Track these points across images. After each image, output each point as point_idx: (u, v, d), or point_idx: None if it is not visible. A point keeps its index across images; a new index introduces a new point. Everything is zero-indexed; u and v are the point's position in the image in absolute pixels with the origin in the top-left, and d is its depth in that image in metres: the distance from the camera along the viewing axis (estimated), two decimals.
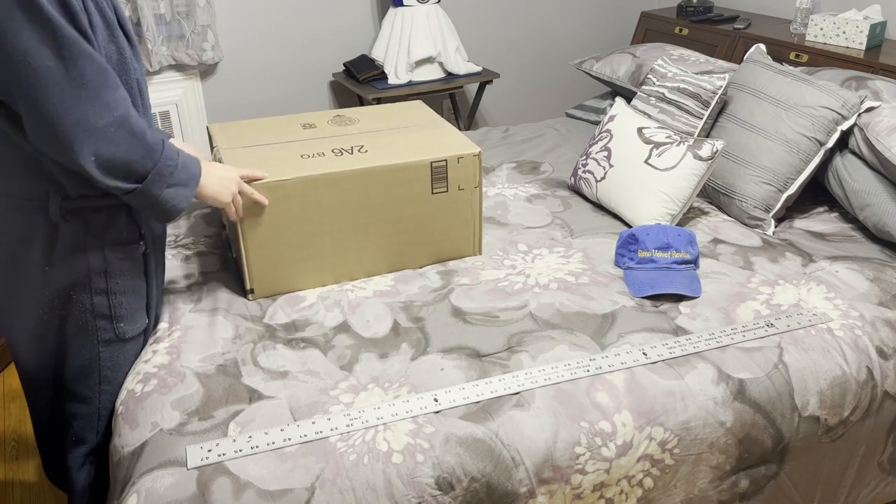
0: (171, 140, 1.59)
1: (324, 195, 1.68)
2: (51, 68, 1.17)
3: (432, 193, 1.79)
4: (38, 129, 1.21)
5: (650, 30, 3.51)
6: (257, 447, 1.31)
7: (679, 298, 1.74)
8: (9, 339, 1.48)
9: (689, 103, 2.27)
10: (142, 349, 1.57)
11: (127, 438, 1.37)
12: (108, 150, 1.26)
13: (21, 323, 1.44)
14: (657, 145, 2.05)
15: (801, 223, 2.14)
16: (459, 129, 3.75)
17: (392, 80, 3.30)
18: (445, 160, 1.77)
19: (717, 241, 2.01)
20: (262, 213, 1.64)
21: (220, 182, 1.52)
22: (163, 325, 1.64)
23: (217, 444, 1.31)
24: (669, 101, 2.32)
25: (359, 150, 1.77)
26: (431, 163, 1.75)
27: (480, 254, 1.93)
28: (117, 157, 1.27)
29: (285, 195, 1.64)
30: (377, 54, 3.37)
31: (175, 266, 1.87)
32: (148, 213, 1.41)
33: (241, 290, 1.76)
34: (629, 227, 2.08)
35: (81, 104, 1.20)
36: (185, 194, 1.40)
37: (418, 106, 2.14)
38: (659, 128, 2.11)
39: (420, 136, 1.89)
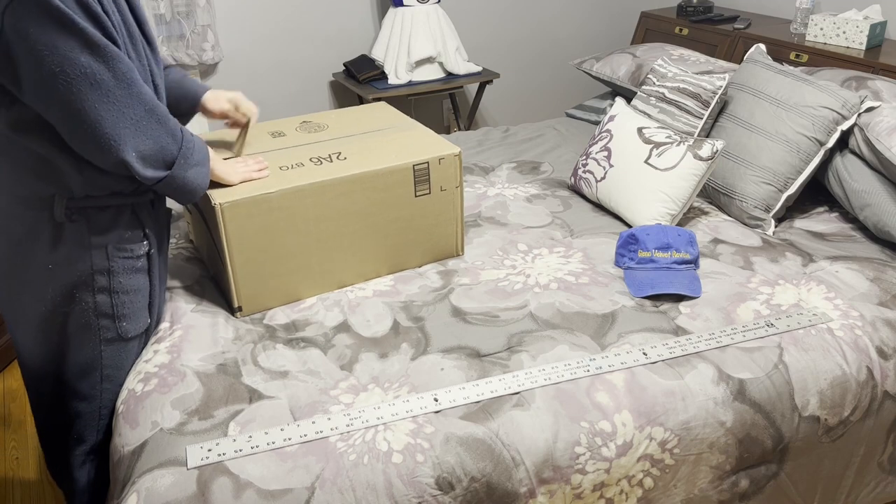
0: None
1: (310, 204, 1.65)
2: (87, 74, 1.23)
3: (415, 196, 1.78)
4: (79, 134, 1.27)
5: (650, 30, 3.52)
6: (257, 447, 1.31)
7: (679, 298, 1.74)
8: (13, 335, 1.49)
9: (690, 103, 2.27)
10: (143, 348, 1.57)
11: (127, 438, 1.37)
12: (145, 142, 1.33)
13: (25, 320, 1.45)
14: (657, 145, 2.05)
15: (801, 223, 2.14)
16: (459, 128, 3.75)
17: (392, 80, 3.30)
18: (427, 162, 1.76)
19: (717, 241, 2.01)
20: (247, 228, 1.61)
21: (227, 164, 1.61)
22: (164, 325, 1.64)
23: (217, 444, 1.31)
24: (669, 101, 2.32)
25: (337, 158, 1.74)
26: (413, 165, 1.74)
27: (463, 254, 1.93)
28: (151, 146, 1.34)
29: (270, 207, 1.61)
30: (377, 54, 3.37)
31: (177, 266, 1.87)
32: (174, 197, 1.48)
33: (229, 307, 1.71)
34: (629, 227, 2.08)
35: (118, 103, 1.27)
36: (204, 172, 1.49)
37: (383, 107, 2.12)
38: (659, 128, 2.11)
39: (395, 138, 1.87)
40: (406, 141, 1.86)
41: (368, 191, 1.72)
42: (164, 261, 1.62)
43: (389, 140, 1.86)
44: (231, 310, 1.69)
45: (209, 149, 1.53)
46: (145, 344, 1.58)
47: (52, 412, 1.54)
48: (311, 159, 1.73)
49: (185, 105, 1.69)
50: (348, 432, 1.35)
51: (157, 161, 1.37)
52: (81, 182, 1.36)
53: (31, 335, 1.46)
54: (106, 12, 1.27)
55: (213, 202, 1.56)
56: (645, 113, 2.37)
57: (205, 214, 1.70)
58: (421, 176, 1.76)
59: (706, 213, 2.18)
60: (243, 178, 1.62)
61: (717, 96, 2.22)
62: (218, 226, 1.58)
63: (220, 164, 1.59)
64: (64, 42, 1.19)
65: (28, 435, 2.32)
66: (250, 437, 1.33)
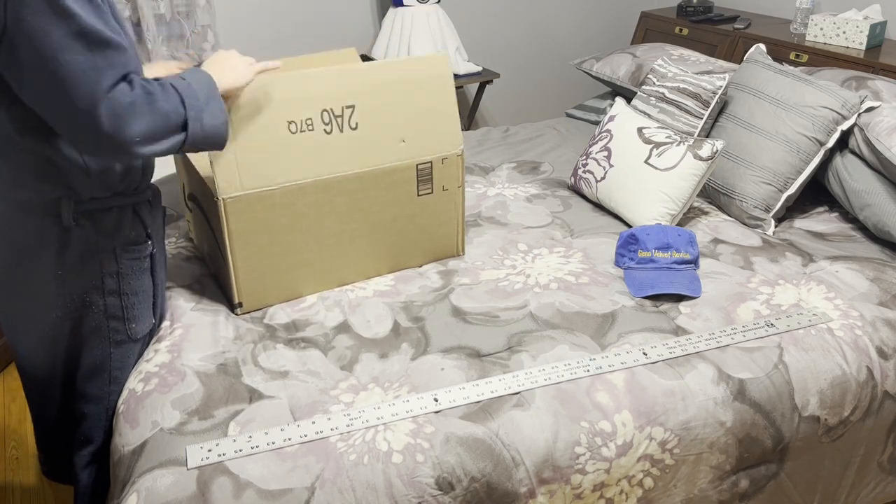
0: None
1: (312, 201, 1.65)
2: (79, 61, 1.17)
3: (417, 195, 1.78)
4: (76, 129, 1.21)
5: (650, 30, 3.51)
6: (257, 447, 1.31)
7: (679, 298, 1.74)
8: (13, 341, 1.47)
9: (690, 103, 2.27)
10: (146, 349, 1.57)
11: (127, 437, 1.37)
12: (146, 123, 1.24)
13: (30, 327, 1.44)
14: (657, 145, 2.05)
15: (801, 223, 2.14)
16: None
17: None
18: (430, 162, 1.76)
19: (717, 241, 2.01)
20: (249, 223, 1.60)
21: (233, 71, 1.49)
22: (165, 324, 1.64)
23: (217, 444, 1.31)
24: (669, 101, 2.32)
25: (349, 123, 1.64)
26: (417, 165, 1.74)
27: (463, 254, 1.93)
28: (154, 125, 1.25)
29: (272, 203, 1.61)
30: (377, 54, 3.37)
31: (178, 265, 1.87)
32: (205, 148, 1.38)
33: (229, 304, 1.70)
34: (629, 227, 2.08)
35: (111, 89, 1.20)
36: (218, 106, 1.38)
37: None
38: (659, 128, 2.11)
39: (409, 111, 1.73)
40: (416, 118, 1.74)
41: (371, 189, 1.71)
42: (164, 260, 1.62)
43: (403, 111, 1.72)
44: (231, 307, 1.69)
45: (208, 73, 1.41)
46: (147, 344, 1.58)
47: (57, 414, 1.54)
48: (323, 111, 1.62)
49: None
50: (348, 432, 1.35)
51: (164, 134, 1.28)
52: (88, 183, 1.35)
53: (37, 340, 1.45)
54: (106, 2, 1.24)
55: (215, 197, 1.56)
56: (645, 113, 2.37)
57: (206, 210, 1.70)
58: (424, 175, 1.76)
59: (706, 213, 2.18)
60: (253, 75, 1.51)
61: (717, 96, 2.22)
62: (220, 221, 1.58)
63: (226, 79, 1.46)
64: (57, 28, 1.16)
65: (28, 434, 2.32)
66: (250, 437, 1.33)
